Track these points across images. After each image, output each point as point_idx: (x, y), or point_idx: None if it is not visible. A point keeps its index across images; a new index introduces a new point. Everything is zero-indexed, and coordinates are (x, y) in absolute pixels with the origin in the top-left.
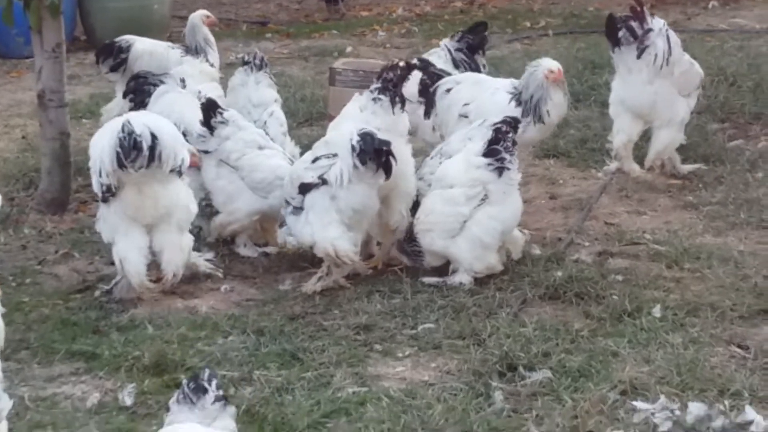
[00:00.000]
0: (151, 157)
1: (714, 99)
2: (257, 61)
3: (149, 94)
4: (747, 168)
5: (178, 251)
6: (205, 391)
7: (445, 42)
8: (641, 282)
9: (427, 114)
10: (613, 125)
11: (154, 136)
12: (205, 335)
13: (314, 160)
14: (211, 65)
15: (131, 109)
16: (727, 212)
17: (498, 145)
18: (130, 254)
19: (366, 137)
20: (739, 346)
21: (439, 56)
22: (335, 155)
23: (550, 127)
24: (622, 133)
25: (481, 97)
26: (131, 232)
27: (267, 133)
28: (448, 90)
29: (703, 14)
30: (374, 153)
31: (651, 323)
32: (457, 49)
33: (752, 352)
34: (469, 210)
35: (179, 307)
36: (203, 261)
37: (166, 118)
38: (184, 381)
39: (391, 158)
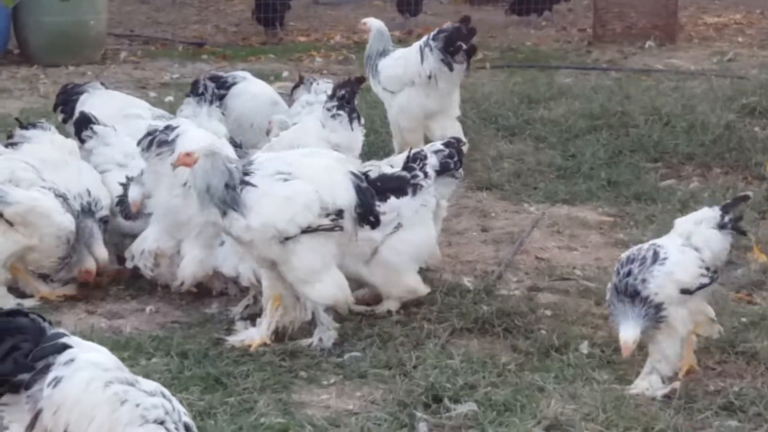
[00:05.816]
0: None
1: (648, 138)
2: (210, 96)
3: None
4: (678, 208)
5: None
6: None
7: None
8: (569, 318)
9: None
10: None
11: None
12: (128, 356)
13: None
14: None
15: (63, 120)
16: None
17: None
18: None
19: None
20: None
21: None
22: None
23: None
24: None
25: None
26: None
27: None
28: None
29: (639, 54)
30: None
31: (578, 359)
32: None
33: (677, 391)
34: (381, 236)
35: (103, 327)
36: None
37: None
38: None
39: None
